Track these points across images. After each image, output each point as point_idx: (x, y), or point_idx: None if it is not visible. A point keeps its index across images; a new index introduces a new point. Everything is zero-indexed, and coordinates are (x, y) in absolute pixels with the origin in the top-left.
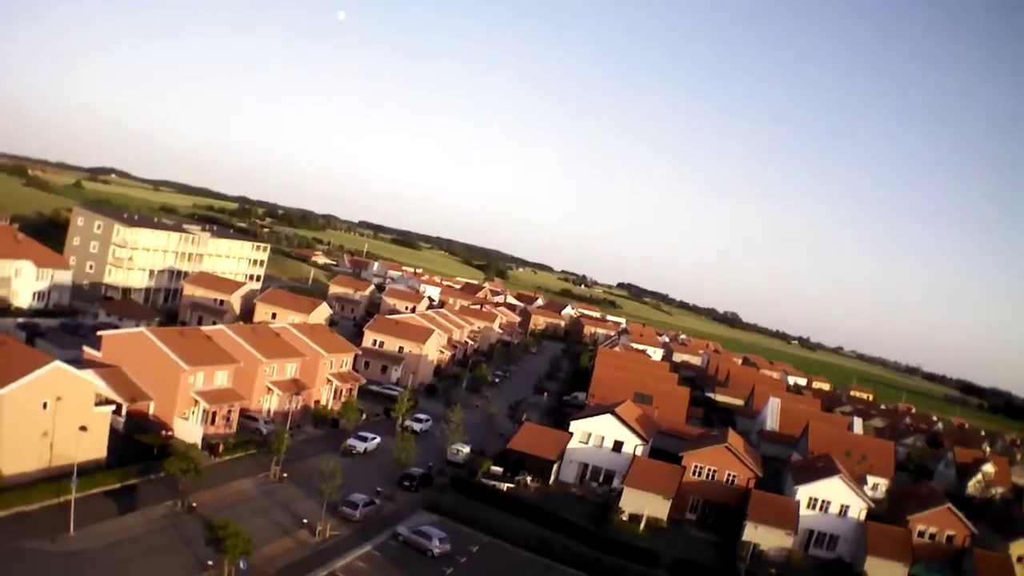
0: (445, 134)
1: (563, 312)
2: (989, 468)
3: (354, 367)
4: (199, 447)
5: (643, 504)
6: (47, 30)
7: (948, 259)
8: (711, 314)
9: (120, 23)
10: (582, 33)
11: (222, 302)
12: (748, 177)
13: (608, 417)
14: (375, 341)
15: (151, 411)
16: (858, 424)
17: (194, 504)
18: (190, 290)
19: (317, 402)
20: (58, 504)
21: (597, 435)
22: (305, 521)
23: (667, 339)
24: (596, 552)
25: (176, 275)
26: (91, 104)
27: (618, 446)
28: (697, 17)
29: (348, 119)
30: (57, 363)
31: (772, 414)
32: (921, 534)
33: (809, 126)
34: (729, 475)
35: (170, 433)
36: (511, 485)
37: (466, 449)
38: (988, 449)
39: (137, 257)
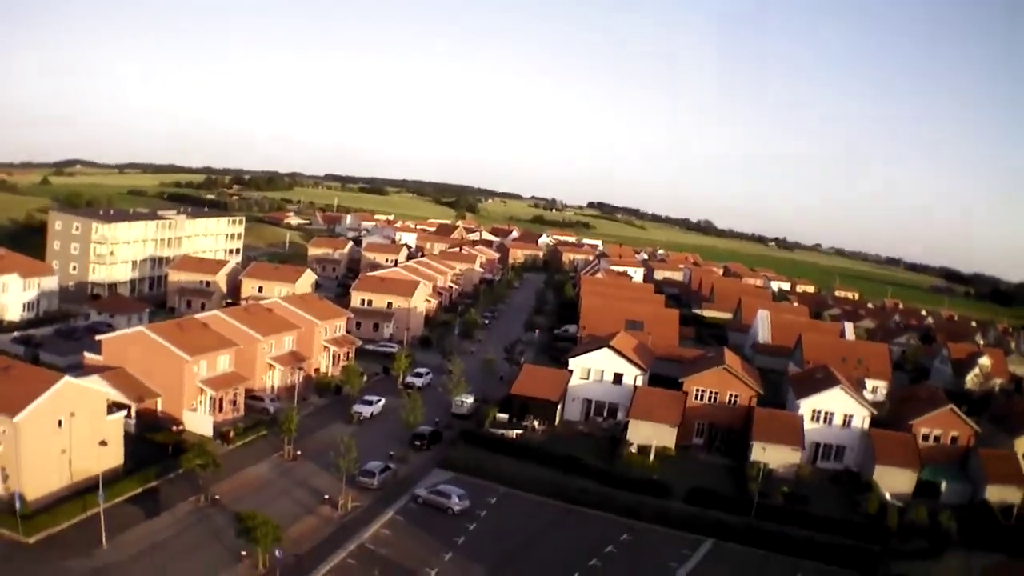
0: (398, 72)
1: (540, 242)
2: (985, 361)
3: (347, 329)
4: (211, 437)
5: (650, 435)
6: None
7: (922, 143)
8: (685, 224)
9: (63, 11)
10: None
11: (208, 283)
12: (707, 75)
13: (605, 351)
14: (363, 300)
15: (159, 407)
16: (849, 329)
17: (216, 496)
18: (175, 276)
19: (317, 370)
20: (86, 519)
21: (596, 370)
22: (326, 496)
23: (645, 256)
24: (610, 489)
25: (158, 262)
26: (45, 98)
27: (618, 378)
28: None
29: (301, 73)
30: (67, 379)
31: (763, 327)
32: (925, 437)
33: (773, 14)
34: (731, 395)
35: (181, 427)
36: (519, 431)
37: (470, 399)
38: (982, 341)
39: (118, 251)
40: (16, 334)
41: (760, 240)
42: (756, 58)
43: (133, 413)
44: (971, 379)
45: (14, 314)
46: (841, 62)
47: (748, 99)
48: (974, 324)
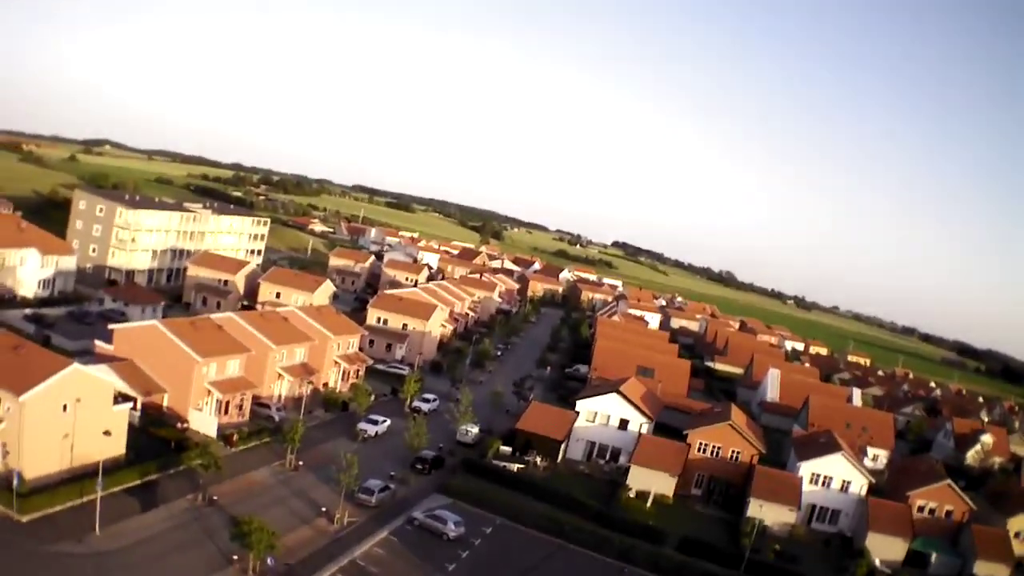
0: (438, 92)
1: (560, 277)
2: (987, 439)
3: (360, 346)
4: (215, 438)
5: (650, 481)
6: (41, 4)
7: (947, 220)
8: (706, 273)
9: None
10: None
11: (226, 282)
12: (743, 131)
13: (613, 396)
14: (379, 319)
15: (165, 403)
16: (857, 395)
17: (214, 497)
18: (194, 271)
19: (326, 384)
20: (82, 504)
21: (603, 414)
22: (323, 509)
23: (663, 302)
24: (605, 530)
25: (179, 254)
26: (83, 76)
27: (624, 424)
28: None
29: (340, 82)
30: (76, 365)
31: (772, 385)
32: (921, 509)
33: (808, 71)
34: (733, 451)
35: (186, 425)
36: (521, 465)
37: (475, 429)
38: (986, 419)
39: (140, 238)
40: (28, 311)
41: (779, 296)
42: (791, 116)
43: (139, 406)
44: (972, 455)
45: (29, 290)
46: (875, 137)
47: (780, 156)
48: (981, 400)
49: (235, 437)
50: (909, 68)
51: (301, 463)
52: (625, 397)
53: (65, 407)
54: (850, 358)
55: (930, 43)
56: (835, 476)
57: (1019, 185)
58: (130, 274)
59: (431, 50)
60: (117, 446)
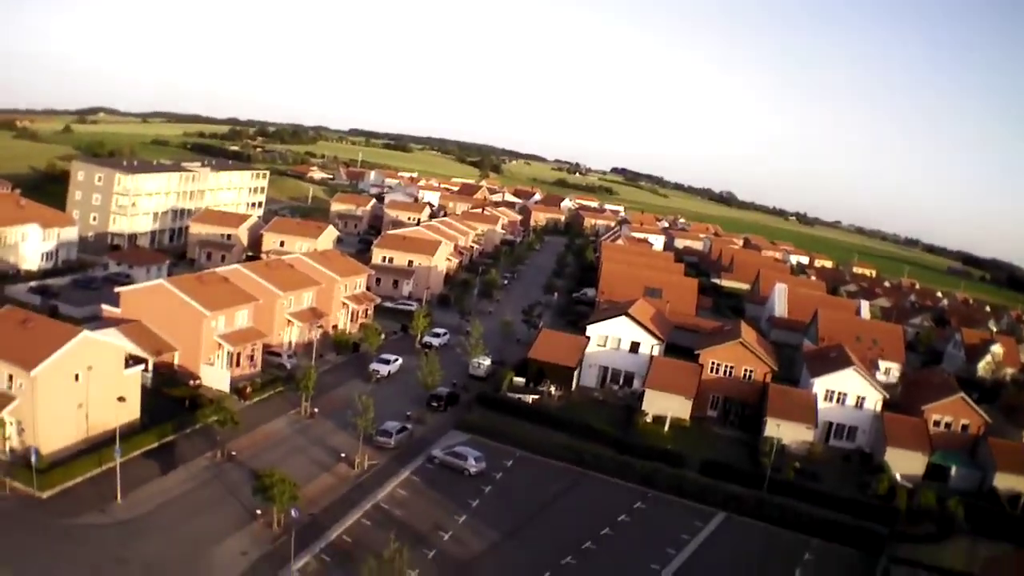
0: (426, 27)
1: (562, 205)
2: (998, 349)
3: (367, 286)
4: (228, 392)
5: (665, 405)
6: None
7: (946, 129)
8: (707, 194)
9: None
10: None
11: (229, 236)
12: (737, 44)
13: (623, 319)
14: (384, 258)
15: (176, 361)
16: (865, 307)
17: (233, 453)
18: (197, 228)
19: (335, 327)
20: (101, 473)
21: (614, 338)
22: (342, 455)
23: (667, 224)
24: (625, 456)
25: (180, 214)
26: (71, 46)
27: (635, 347)
28: None
29: (328, 25)
30: (84, 333)
31: (780, 300)
32: (936, 423)
33: None
34: (746, 370)
35: (198, 382)
36: (536, 396)
37: (487, 362)
38: (995, 328)
39: (140, 203)
40: (33, 284)
41: (780, 214)
42: (789, 35)
43: (150, 367)
44: (983, 367)
45: (32, 264)
46: (871, 51)
47: (777, 74)
48: (988, 309)
49: (248, 389)
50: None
51: (317, 410)
52: (634, 319)
53: (77, 376)
54: (856, 270)
55: None
56: (849, 392)
57: (1020, 94)
58: (133, 237)
59: None
60: (132, 411)
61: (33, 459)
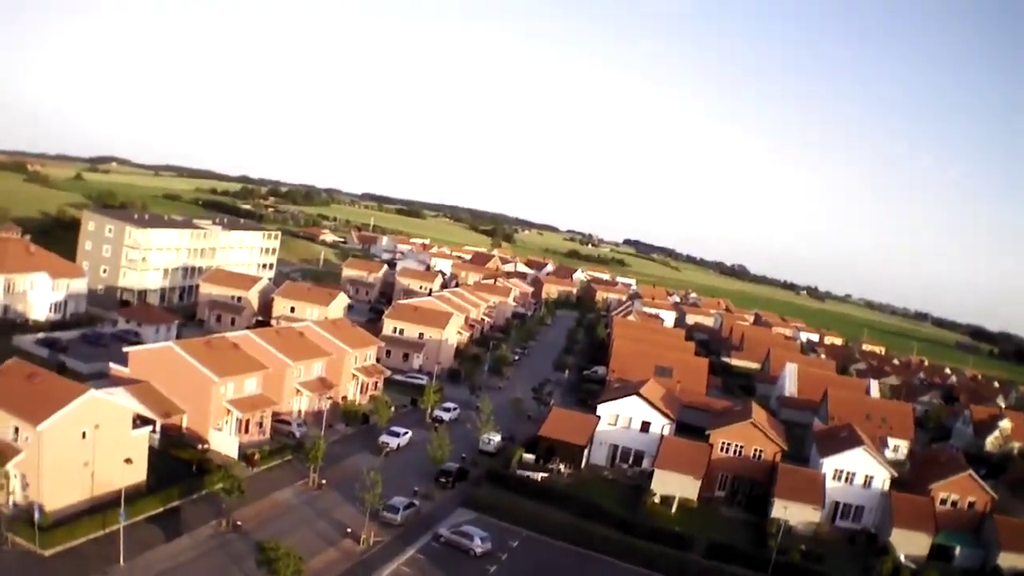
0: (441, 97)
1: (574, 277)
2: (1006, 424)
3: (377, 357)
4: (236, 458)
5: (674, 486)
6: (40, 24)
7: (956, 203)
8: (719, 267)
9: (109, 10)
10: None
11: (239, 299)
12: (750, 124)
13: (634, 399)
14: (395, 329)
15: (184, 424)
16: (875, 386)
17: (238, 523)
18: (207, 288)
19: (345, 398)
20: (105, 535)
21: (624, 417)
22: (348, 530)
23: (677, 299)
24: (631, 538)
25: (190, 272)
26: (86, 93)
27: (645, 426)
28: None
29: (345, 90)
30: (92, 392)
31: (790, 380)
32: (943, 501)
33: (813, 63)
34: (756, 450)
35: (206, 446)
36: (545, 474)
37: (497, 438)
38: (1003, 404)
39: (150, 257)
40: (41, 335)
41: (792, 288)
42: (803, 112)
43: (158, 428)
44: (991, 441)
45: (40, 314)
46: (883, 128)
47: (790, 150)
48: (996, 384)
49: (257, 456)
50: (917, 58)
51: (324, 481)
52: (645, 399)
53: (84, 434)
54: (865, 347)
55: (930, 42)
56: (858, 471)
57: None
58: (142, 294)
59: (434, 52)
60: (138, 472)
61: (37, 516)
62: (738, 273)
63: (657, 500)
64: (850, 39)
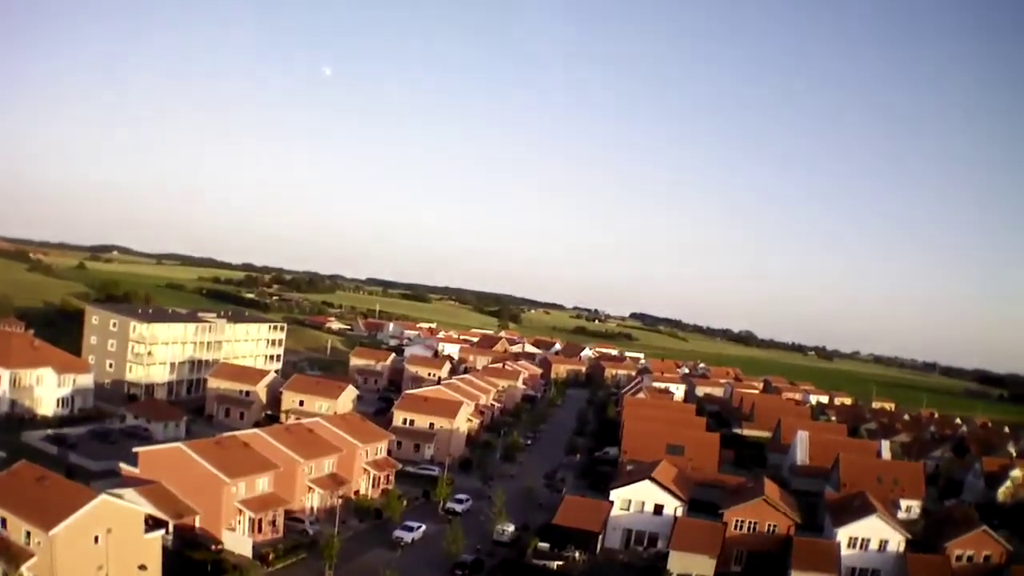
0: (444, 183)
1: (582, 355)
2: (1017, 474)
3: (388, 450)
4: (251, 557)
5: (689, 566)
6: (38, 110)
7: (955, 250)
8: (726, 335)
9: (110, 97)
10: (581, 72)
11: (248, 393)
12: (750, 193)
13: (646, 483)
14: (405, 420)
15: (197, 524)
16: (885, 447)
17: None
18: (215, 383)
19: (357, 493)
20: None
21: (637, 501)
22: None
23: (687, 370)
24: None
25: (197, 365)
26: (87, 181)
27: (659, 509)
28: (694, 38)
29: (345, 177)
30: (104, 496)
31: (801, 448)
32: (959, 558)
33: (805, 128)
34: (770, 525)
35: (220, 546)
36: (560, 563)
37: (511, 528)
38: (1014, 451)
39: (156, 352)
40: (49, 432)
41: (800, 350)
42: (801, 178)
43: (171, 529)
44: (1003, 492)
45: (48, 408)
46: (882, 185)
47: (789, 217)
48: (1007, 430)
49: (271, 556)
50: (912, 117)
51: None
52: (658, 483)
53: (96, 539)
54: (875, 405)
55: (931, 98)
56: (872, 537)
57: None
58: (150, 388)
59: (432, 132)
60: (154, 574)
61: None
62: (745, 339)
63: None
64: (852, 103)
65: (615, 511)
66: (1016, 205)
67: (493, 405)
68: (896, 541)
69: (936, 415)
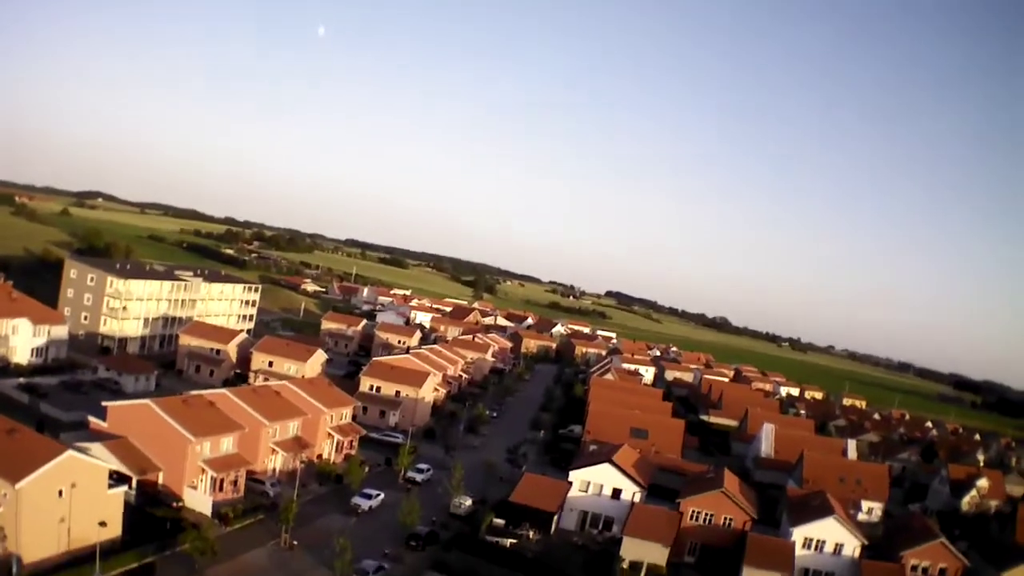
0: (430, 146)
1: (553, 332)
2: (983, 483)
3: (353, 415)
4: (210, 516)
5: (642, 552)
6: (30, 53)
7: (938, 253)
8: (701, 320)
9: (103, 47)
10: (568, 40)
11: (218, 351)
12: (734, 177)
13: (606, 466)
14: (372, 387)
15: (160, 481)
16: (851, 447)
17: None
18: (187, 340)
19: (320, 456)
20: None
21: (596, 483)
22: None
23: (658, 353)
24: None
25: (170, 322)
26: (77, 126)
27: (617, 493)
28: (685, 23)
29: (333, 135)
30: (70, 452)
31: (767, 440)
32: (915, 568)
33: (794, 121)
34: (726, 518)
35: (181, 504)
36: (514, 540)
37: (468, 501)
38: (982, 458)
39: (131, 307)
40: (22, 380)
41: (774, 340)
42: (782, 160)
43: (134, 484)
44: (967, 501)
45: (22, 358)
46: (865, 176)
47: (770, 203)
48: (977, 437)
49: (231, 515)
50: (896, 105)
51: (296, 542)
52: (618, 467)
53: (60, 492)
54: (846, 402)
55: (926, 76)
56: (828, 539)
57: (1012, 211)
58: (123, 341)
59: (421, 104)
60: (113, 528)
61: (14, 568)
62: (720, 325)
63: (626, 566)
64: (836, 93)
65: (573, 492)
66: (1012, 211)
67: (461, 376)
68: (852, 546)
69: (907, 416)
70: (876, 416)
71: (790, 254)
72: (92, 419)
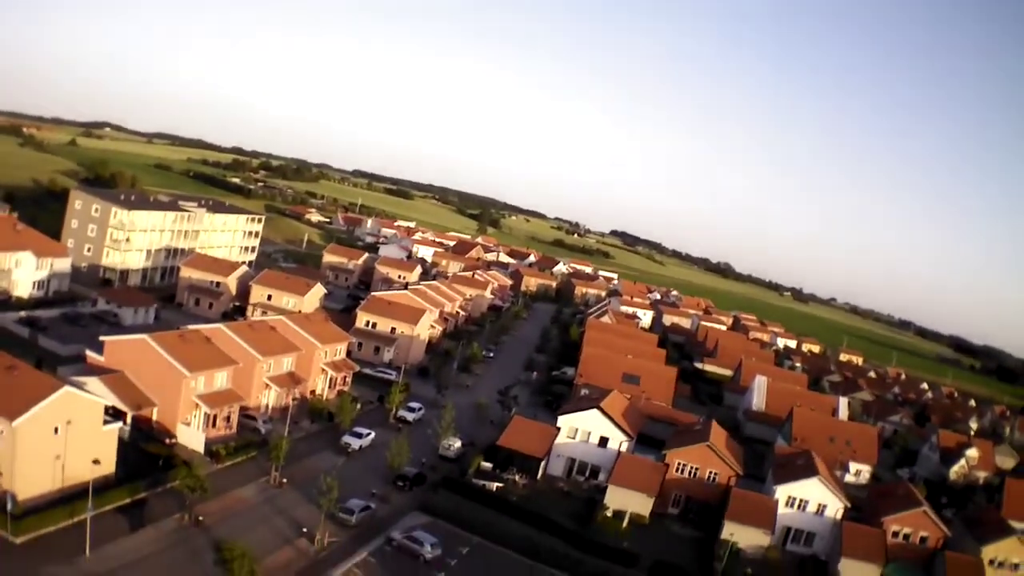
0: (440, 77)
1: (554, 271)
2: (973, 453)
3: (347, 351)
4: (202, 453)
5: (627, 501)
6: None
7: (949, 211)
8: (704, 264)
9: None
10: None
11: (218, 284)
12: (745, 121)
13: (594, 412)
14: (368, 322)
15: (155, 416)
16: (843, 406)
17: (200, 518)
18: (187, 272)
19: (313, 392)
20: (73, 525)
21: (584, 430)
22: (304, 530)
23: (658, 296)
24: (579, 553)
25: (173, 253)
26: (85, 56)
27: (604, 441)
28: None
29: (342, 66)
30: (67, 388)
31: (758, 393)
32: (895, 534)
33: (806, 64)
34: (711, 472)
35: (174, 440)
36: (500, 484)
37: (458, 443)
38: (975, 426)
39: (134, 238)
40: (22, 314)
41: (776, 288)
42: (790, 109)
43: (129, 420)
44: (956, 471)
45: (24, 291)
46: (875, 128)
47: (779, 149)
48: (972, 403)
49: (222, 453)
50: (909, 60)
51: (285, 480)
52: (606, 414)
53: (56, 429)
54: (843, 356)
55: (918, 35)
56: (811, 500)
57: (1020, 179)
58: (124, 274)
59: (432, 35)
60: (107, 465)
61: (9, 505)
62: (723, 271)
63: (609, 514)
64: (837, 46)
65: (560, 438)
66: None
67: (458, 313)
68: (835, 507)
69: (903, 376)
70: (872, 374)
71: (796, 201)
72: (89, 353)
